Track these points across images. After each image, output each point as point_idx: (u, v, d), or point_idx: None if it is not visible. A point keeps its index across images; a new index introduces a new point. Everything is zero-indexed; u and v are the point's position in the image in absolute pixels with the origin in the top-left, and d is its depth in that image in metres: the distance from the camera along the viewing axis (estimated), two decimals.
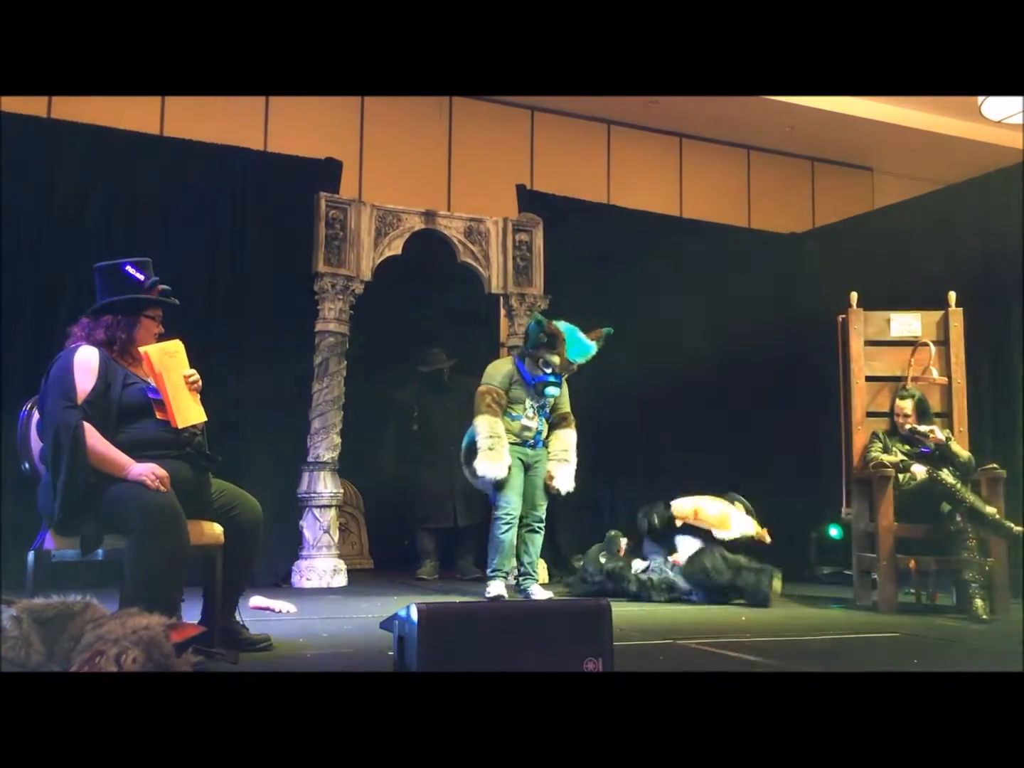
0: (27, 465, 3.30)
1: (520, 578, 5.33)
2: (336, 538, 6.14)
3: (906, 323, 5.55)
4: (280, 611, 4.59)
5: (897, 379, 5.51)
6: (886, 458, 5.16)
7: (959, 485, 4.85)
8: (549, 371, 5.24)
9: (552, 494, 5.37)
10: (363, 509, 7.40)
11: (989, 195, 6.47)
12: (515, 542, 5.24)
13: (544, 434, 5.40)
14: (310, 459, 6.12)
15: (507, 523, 5.18)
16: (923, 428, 5.15)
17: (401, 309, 6.93)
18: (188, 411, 3.23)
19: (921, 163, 8.48)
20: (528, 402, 5.30)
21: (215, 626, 3.19)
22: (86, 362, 3.14)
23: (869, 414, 5.50)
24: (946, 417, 5.39)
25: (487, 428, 5.13)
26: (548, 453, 5.39)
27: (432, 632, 2.34)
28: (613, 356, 7.27)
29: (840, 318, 5.64)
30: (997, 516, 4.77)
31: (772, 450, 7.47)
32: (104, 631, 2.23)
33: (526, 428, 5.28)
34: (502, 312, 6.98)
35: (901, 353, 5.54)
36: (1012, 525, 4.74)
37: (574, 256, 7.17)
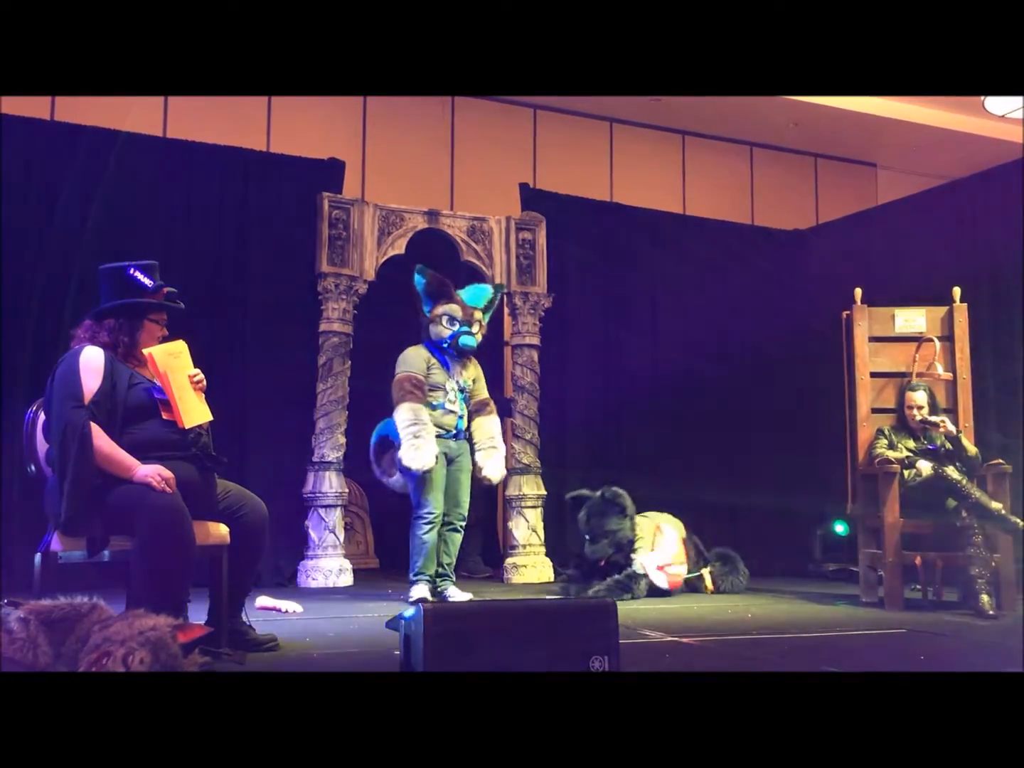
0: (33, 467, 3.30)
1: (438, 579, 5.03)
2: (341, 538, 6.15)
3: (911, 319, 5.54)
4: (286, 611, 4.59)
5: (902, 375, 5.50)
6: (891, 454, 5.15)
7: (965, 481, 4.84)
8: (456, 326, 4.98)
9: (486, 486, 5.19)
10: (368, 509, 7.41)
11: (993, 190, 6.45)
12: (437, 543, 4.95)
13: (465, 424, 5.10)
14: (315, 459, 6.13)
15: (430, 523, 4.86)
16: (935, 418, 5.15)
17: (405, 309, 6.93)
18: (194, 411, 3.23)
19: (924, 159, 8.48)
20: (449, 385, 4.99)
21: (222, 626, 3.20)
22: (92, 362, 3.14)
23: (874, 410, 5.50)
24: (951, 413, 5.38)
25: (411, 415, 4.77)
26: (475, 444, 5.07)
27: (438, 631, 2.34)
28: (617, 355, 7.32)
29: (844, 314, 5.64)
30: (1003, 512, 4.77)
31: (776, 447, 7.47)
32: (111, 632, 2.23)
33: (449, 414, 4.97)
34: (506, 311, 6.98)
35: (906, 349, 5.53)
36: (1018, 521, 4.73)
37: (577, 254, 7.17)
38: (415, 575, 4.93)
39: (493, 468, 5.02)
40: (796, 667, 3.15)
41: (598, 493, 5.43)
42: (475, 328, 5.06)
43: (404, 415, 4.79)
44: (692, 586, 5.74)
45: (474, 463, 5.05)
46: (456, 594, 5.01)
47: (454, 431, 5.02)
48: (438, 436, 4.89)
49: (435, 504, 4.88)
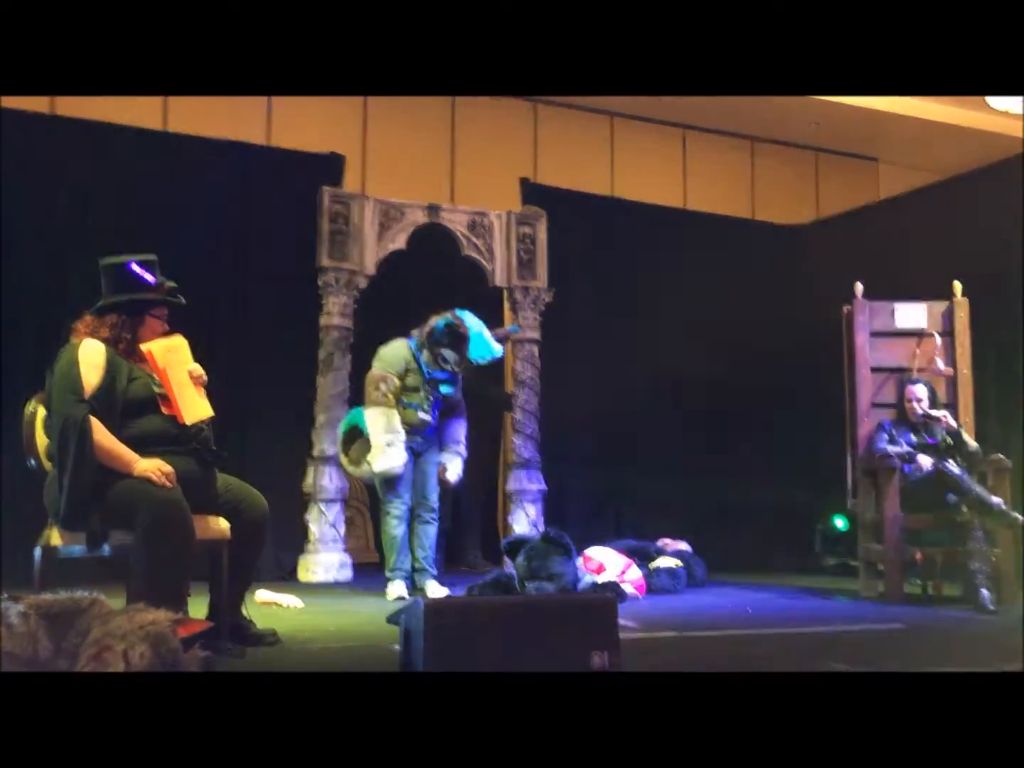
0: (33, 461, 3.30)
1: (415, 574, 4.98)
2: (342, 532, 6.16)
3: (911, 314, 5.54)
4: (286, 605, 4.60)
5: (902, 370, 5.49)
6: (892, 449, 5.15)
7: (965, 476, 4.84)
8: (448, 367, 4.94)
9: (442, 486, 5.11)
10: (369, 503, 7.41)
11: (994, 185, 6.45)
12: (408, 537, 4.96)
13: (436, 422, 5.11)
14: (315, 453, 6.13)
15: (397, 517, 4.91)
16: (936, 412, 5.15)
17: (405, 303, 6.93)
18: (194, 406, 3.23)
19: (926, 153, 8.45)
20: (423, 393, 4.99)
21: (222, 621, 3.20)
22: (92, 356, 3.13)
23: (875, 405, 5.49)
24: (952, 408, 5.38)
25: (384, 422, 4.82)
26: (442, 443, 5.12)
27: (438, 627, 2.35)
28: (617, 349, 7.31)
29: (845, 309, 5.63)
30: (1003, 506, 4.77)
31: (777, 441, 7.47)
32: (111, 627, 2.23)
33: (421, 420, 4.98)
34: (506, 305, 6.97)
35: (906, 344, 5.52)
36: (1018, 515, 4.74)
37: (578, 249, 7.18)
38: (390, 571, 4.93)
39: (454, 472, 5.11)
40: (796, 664, 3.15)
41: (539, 535, 4.95)
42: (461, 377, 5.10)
43: (378, 420, 4.84)
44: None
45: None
46: (434, 590, 4.88)
47: (423, 428, 5.02)
48: (407, 432, 4.92)
49: (403, 500, 4.92)
